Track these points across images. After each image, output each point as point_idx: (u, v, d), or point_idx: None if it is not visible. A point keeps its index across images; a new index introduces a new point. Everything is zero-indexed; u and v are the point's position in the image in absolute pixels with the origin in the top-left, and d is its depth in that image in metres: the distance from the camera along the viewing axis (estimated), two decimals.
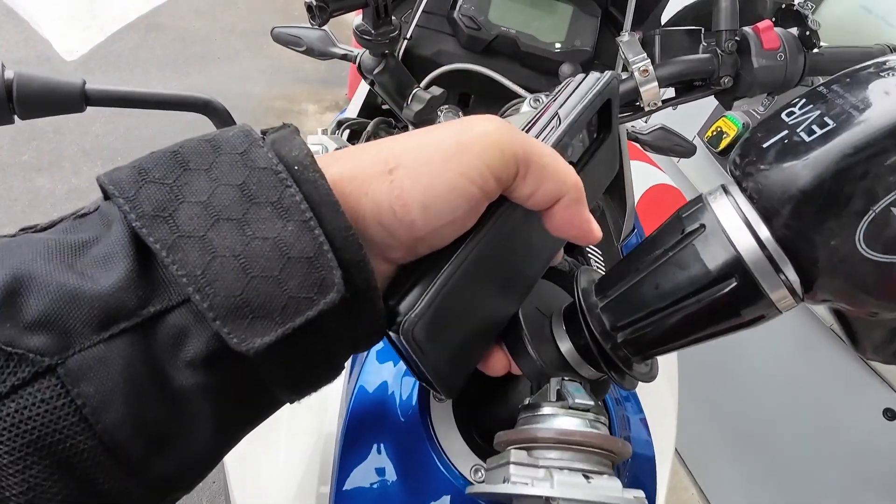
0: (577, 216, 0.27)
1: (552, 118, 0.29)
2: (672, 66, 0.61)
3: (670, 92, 0.65)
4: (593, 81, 0.30)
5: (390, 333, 0.26)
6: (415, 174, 0.23)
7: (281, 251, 0.20)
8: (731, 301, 0.26)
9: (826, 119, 0.24)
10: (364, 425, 0.44)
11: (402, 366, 0.46)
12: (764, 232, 0.25)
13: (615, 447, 0.28)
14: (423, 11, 0.73)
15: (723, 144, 1.37)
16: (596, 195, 0.38)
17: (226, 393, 0.21)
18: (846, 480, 1.21)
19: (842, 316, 0.28)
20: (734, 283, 0.26)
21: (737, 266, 0.26)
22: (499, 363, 0.33)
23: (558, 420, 0.29)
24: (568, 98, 0.29)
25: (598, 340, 0.31)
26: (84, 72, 2.51)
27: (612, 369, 0.32)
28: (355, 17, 0.62)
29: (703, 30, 0.67)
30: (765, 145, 0.26)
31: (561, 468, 0.27)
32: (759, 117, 1.32)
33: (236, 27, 3.04)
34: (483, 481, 0.32)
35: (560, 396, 0.30)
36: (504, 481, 0.27)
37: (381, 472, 0.41)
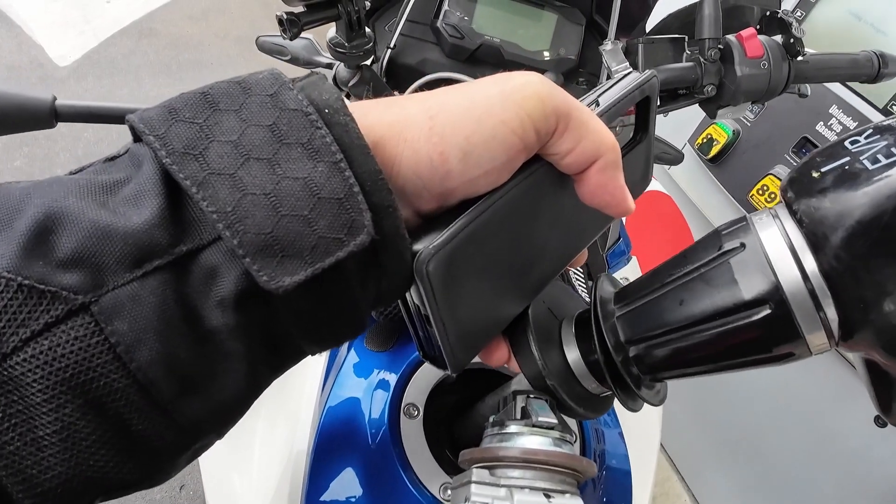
0: (611, 181, 0.26)
1: (591, 103, 0.29)
2: None
3: None
4: (635, 77, 0.30)
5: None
6: (455, 120, 0.23)
7: (311, 191, 0.20)
8: (760, 332, 0.24)
9: (894, 149, 0.22)
10: (334, 442, 0.43)
11: (374, 379, 0.46)
12: (810, 262, 0.23)
13: (579, 466, 0.28)
14: (406, 20, 0.73)
15: (713, 151, 1.37)
16: None
17: (254, 336, 0.21)
18: (839, 488, 1.21)
19: (875, 369, 0.25)
20: (767, 312, 0.24)
21: (773, 293, 0.23)
22: (499, 354, 0.32)
23: (522, 439, 0.29)
24: (610, 88, 0.29)
25: (608, 351, 0.29)
26: (77, 77, 2.51)
27: (619, 386, 0.30)
28: (329, 30, 0.62)
29: (686, 38, 0.67)
30: (823, 169, 0.24)
31: (522, 487, 0.27)
32: (748, 124, 1.32)
33: (230, 33, 3.03)
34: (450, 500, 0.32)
35: (525, 414, 0.30)
36: (465, 501, 0.27)
37: (349, 490, 0.41)
